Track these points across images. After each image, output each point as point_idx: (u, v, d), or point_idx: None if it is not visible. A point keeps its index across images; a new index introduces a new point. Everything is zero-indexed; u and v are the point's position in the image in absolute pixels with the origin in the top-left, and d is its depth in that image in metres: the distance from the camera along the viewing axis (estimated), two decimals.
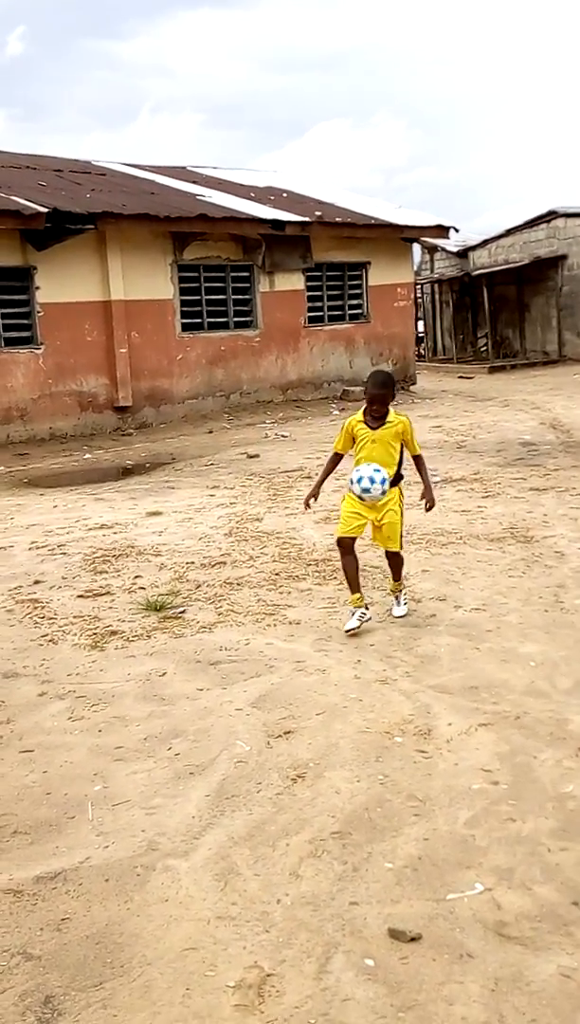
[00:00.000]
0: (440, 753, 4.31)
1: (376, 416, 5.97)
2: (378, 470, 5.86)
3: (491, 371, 25.63)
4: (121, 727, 4.73)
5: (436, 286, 31.77)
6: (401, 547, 6.20)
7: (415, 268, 26.71)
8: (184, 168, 23.54)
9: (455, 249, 30.91)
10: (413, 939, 3.04)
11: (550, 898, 3.24)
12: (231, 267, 18.79)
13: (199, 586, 7.06)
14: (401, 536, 6.17)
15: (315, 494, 6.32)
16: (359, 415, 6.03)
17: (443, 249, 31.32)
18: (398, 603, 6.27)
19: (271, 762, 4.28)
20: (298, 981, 2.89)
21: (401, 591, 6.31)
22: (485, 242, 29.85)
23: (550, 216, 27.23)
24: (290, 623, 6.16)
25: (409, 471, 6.17)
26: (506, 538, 8.02)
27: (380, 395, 5.91)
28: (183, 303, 18.06)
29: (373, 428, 5.98)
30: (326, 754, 4.34)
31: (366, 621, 5.97)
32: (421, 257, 32.50)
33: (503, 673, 5.20)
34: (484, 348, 29.42)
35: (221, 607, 6.53)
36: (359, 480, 5.90)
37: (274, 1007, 2.78)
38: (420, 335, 31.15)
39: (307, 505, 6.40)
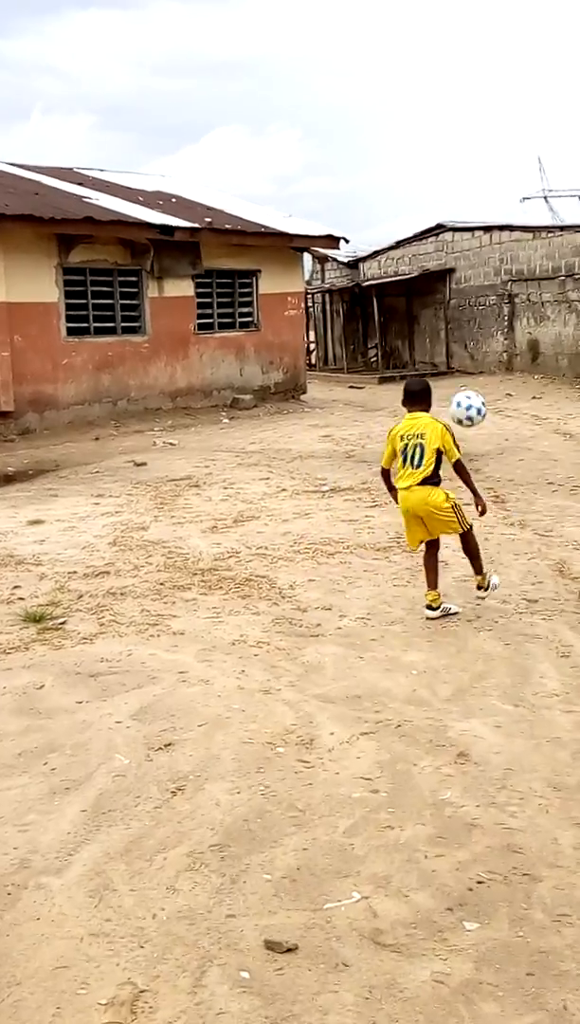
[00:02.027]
0: (322, 763, 4.31)
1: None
2: (469, 396, 6.75)
3: (381, 381, 25.94)
4: None
5: (327, 296, 32.04)
6: (463, 528, 6.29)
7: (306, 277, 26.91)
8: (71, 170, 23.18)
9: (346, 260, 31.23)
10: (289, 950, 3.03)
11: (425, 905, 3.27)
12: (119, 271, 18.57)
13: (81, 596, 6.93)
14: (461, 519, 6.26)
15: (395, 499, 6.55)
16: (401, 424, 6.42)
17: (334, 259, 31.61)
18: (482, 590, 6.47)
19: (150, 775, 4.22)
20: (172, 996, 2.85)
21: (485, 585, 6.47)
22: (375, 253, 30.25)
23: (438, 230, 27.75)
24: (174, 633, 6.10)
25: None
26: (392, 547, 8.11)
27: (419, 401, 6.46)
28: (69, 307, 17.75)
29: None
30: (207, 766, 4.30)
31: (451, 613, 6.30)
32: (312, 267, 32.75)
33: (386, 682, 5.25)
34: (374, 358, 29.81)
35: (103, 618, 6.43)
36: (459, 404, 6.73)
37: (147, 1023, 2.74)
38: (311, 344, 31.39)
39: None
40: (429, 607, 6.26)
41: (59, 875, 3.48)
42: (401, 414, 6.41)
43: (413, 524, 6.35)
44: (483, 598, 6.46)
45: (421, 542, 6.43)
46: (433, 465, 6.18)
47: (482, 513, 6.48)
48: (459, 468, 6.30)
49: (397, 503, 6.45)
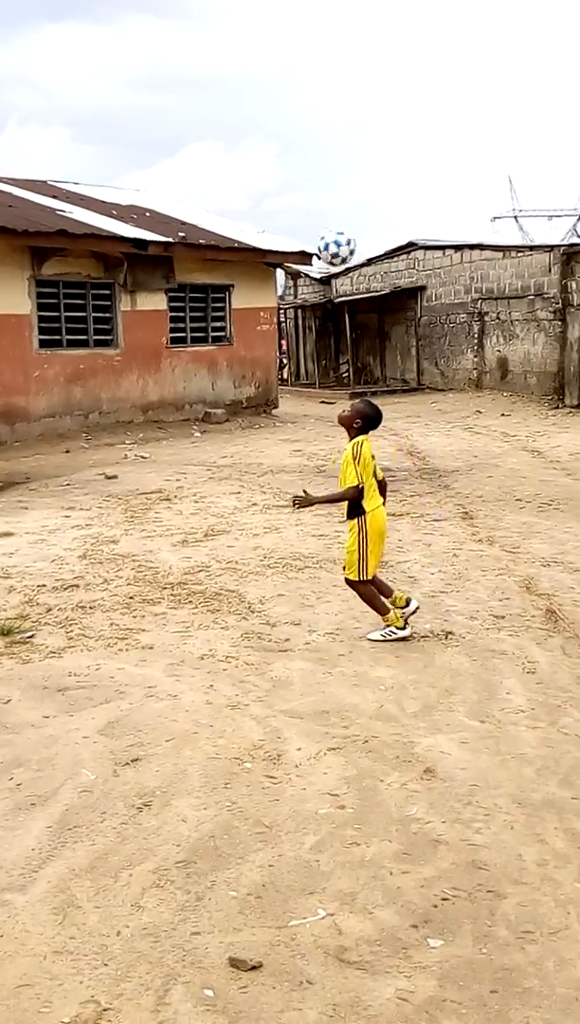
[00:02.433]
0: (289, 778, 4.32)
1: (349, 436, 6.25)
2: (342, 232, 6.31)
3: (352, 397, 25.94)
4: None
5: (300, 311, 32.16)
6: (355, 576, 6.17)
7: (279, 293, 26.99)
8: (45, 182, 23.16)
9: (318, 276, 31.37)
10: (253, 967, 3.03)
11: (390, 921, 3.28)
12: (92, 284, 18.55)
13: (50, 610, 6.90)
14: (358, 566, 6.14)
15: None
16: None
17: (307, 275, 31.72)
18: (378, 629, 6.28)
19: (117, 791, 4.20)
20: (135, 1014, 2.83)
21: (384, 625, 6.23)
22: (348, 270, 30.40)
23: (410, 247, 27.95)
24: (143, 647, 6.09)
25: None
26: None
27: (341, 421, 6.28)
28: (41, 319, 17.71)
29: None
30: (174, 781, 4.29)
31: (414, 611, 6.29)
32: (285, 282, 32.87)
33: (354, 697, 5.26)
34: (346, 374, 29.93)
35: (72, 631, 6.40)
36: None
37: None
38: (283, 359, 31.47)
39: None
40: (400, 627, 6.21)
41: (23, 892, 3.45)
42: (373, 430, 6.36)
43: (378, 546, 6.27)
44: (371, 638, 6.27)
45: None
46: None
47: (295, 504, 6.44)
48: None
49: (366, 528, 6.15)
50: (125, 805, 4.07)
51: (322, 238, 6.34)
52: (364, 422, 6.20)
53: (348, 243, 6.61)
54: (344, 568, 6.32)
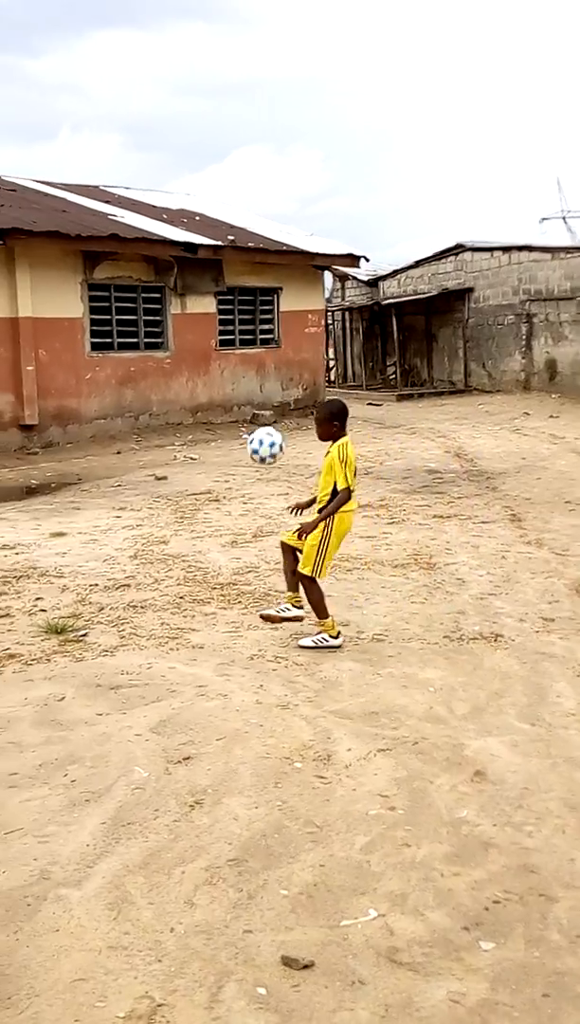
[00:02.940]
0: (339, 779, 4.33)
1: (321, 439, 6.16)
2: (270, 433, 6.25)
3: (399, 399, 26.00)
4: (16, 753, 4.63)
5: (347, 314, 32.16)
6: (311, 573, 6.05)
7: (326, 295, 27.02)
8: (97, 187, 23.42)
9: (366, 278, 31.36)
10: (306, 966, 3.04)
11: (442, 923, 3.28)
12: (142, 288, 18.71)
13: (102, 609, 6.98)
14: (315, 563, 6.02)
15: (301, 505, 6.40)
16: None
17: (354, 278, 31.75)
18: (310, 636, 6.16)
19: (169, 788, 4.25)
20: (189, 1011, 2.87)
21: (318, 631, 6.14)
22: (395, 272, 30.36)
23: (458, 249, 27.83)
24: (193, 647, 6.14)
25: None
26: (410, 564, 8.13)
27: (317, 427, 6.15)
28: (93, 322, 17.91)
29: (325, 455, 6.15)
30: (225, 780, 4.32)
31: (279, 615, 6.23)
32: (332, 285, 32.89)
33: (403, 699, 5.26)
34: (393, 376, 29.86)
35: (124, 630, 6.47)
36: (251, 440, 6.22)
37: None
38: (330, 362, 31.48)
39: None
40: (334, 636, 6.10)
41: (78, 887, 3.50)
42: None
43: (337, 548, 6.19)
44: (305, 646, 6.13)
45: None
46: (330, 491, 6.08)
47: (299, 536, 6.14)
48: (334, 495, 6.06)
49: (332, 527, 6.05)
50: (177, 803, 4.11)
51: (250, 440, 6.44)
52: (341, 421, 6.09)
53: (271, 446, 6.62)
54: (300, 562, 6.12)
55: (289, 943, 3.17)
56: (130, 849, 3.75)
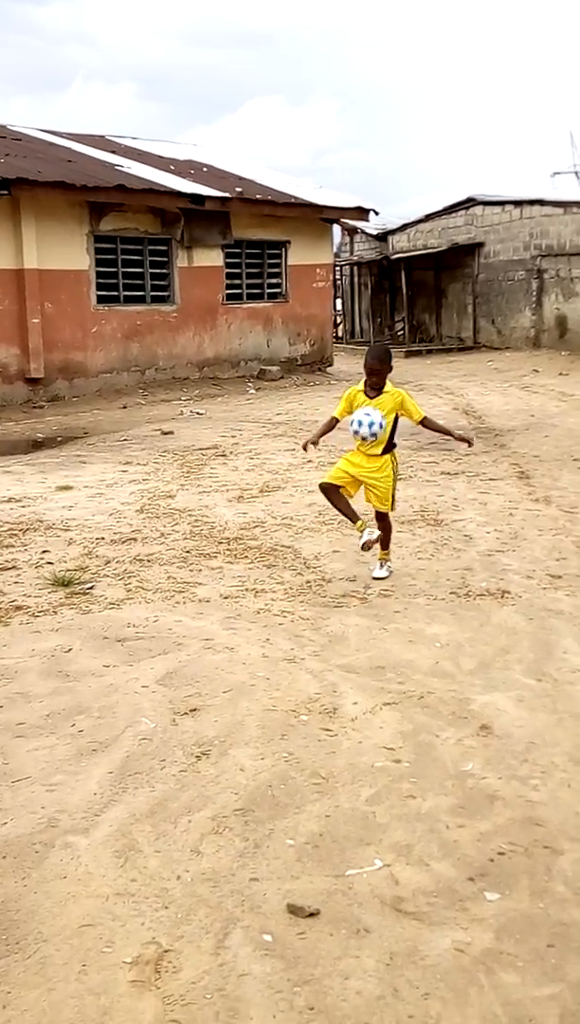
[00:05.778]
0: (344, 731, 4.34)
1: (374, 387, 6.36)
2: (369, 413, 6.25)
3: (407, 355, 25.82)
4: (23, 703, 4.65)
5: (355, 268, 31.86)
6: (392, 509, 6.59)
7: (335, 249, 26.74)
8: (103, 137, 23.12)
9: (375, 232, 31.00)
10: (311, 915, 3.07)
11: (447, 874, 3.30)
12: (149, 240, 18.53)
13: (108, 562, 6.98)
14: (393, 500, 6.56)
15: (314, 442, 6.66)
16: (360, 385, 6.43)
17: (363, 231, 31.39)
18: (380, 567, 6.62)
19: (176, 739, 4.26)
20: (195, 957, 2.89)
21: (387, 560, 6.66)
22: (404, 226, 30.01)
23: (469, 203, 27.47)
24: (200, 601, 6.14)
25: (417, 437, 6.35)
26: (417, 521, 8.11)
27: (378, 368, 6.32)
28: (99, 275, 17.75)
29: (371, 398, 6.35)
30: (231, 732, 4.34)
31: (375, 537, 6.41)
32: (341, 239, 32.54)
33: (409, 654, 5.27)
34: (401, 332, 29.65)
35: (130, 583, 6.48)
36: (352, 422, 6.32)
37: (171, 983, 2.78)
38: (338, 317, 31.23)
39: (305, 448, 6.78)
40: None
41: (86, 835, 3.53)
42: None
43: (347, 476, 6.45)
44: (381, 577, 6.56)
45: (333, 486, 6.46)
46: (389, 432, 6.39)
47: (470, 443, 6.88)
48: (426, 423, 6.53)
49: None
50: (184, 753, 4.13)
51: (351, 423, 6.33)
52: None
53: (370, 425, 6.60)
54: (373, 503, 6.52)
55: (295, 892, 3.19)
56: (137, 798, 3.78)
